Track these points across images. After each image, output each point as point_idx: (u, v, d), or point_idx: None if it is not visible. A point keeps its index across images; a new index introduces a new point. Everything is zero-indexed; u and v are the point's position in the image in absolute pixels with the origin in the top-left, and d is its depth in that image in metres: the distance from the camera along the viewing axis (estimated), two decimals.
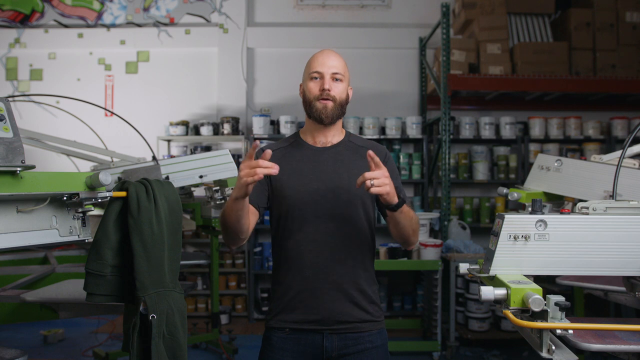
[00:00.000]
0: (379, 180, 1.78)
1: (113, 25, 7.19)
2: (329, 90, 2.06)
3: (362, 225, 2.09)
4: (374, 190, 1.78)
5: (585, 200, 1.77)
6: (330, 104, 2.07)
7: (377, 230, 2.16)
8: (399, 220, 1.99)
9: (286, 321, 2.08)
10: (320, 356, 2.05)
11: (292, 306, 2.07)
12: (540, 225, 1.57)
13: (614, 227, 1.57)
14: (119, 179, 3.13)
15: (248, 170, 1.76)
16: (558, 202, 2.95)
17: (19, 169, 1.60)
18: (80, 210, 1.82)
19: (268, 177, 2.13)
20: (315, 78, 2.09)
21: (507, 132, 6.52)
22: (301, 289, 2.04)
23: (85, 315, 4.56)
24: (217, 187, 3.69)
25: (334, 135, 2.17)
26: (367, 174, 1.78)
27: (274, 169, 1.75)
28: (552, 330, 1.38)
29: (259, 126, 6.55)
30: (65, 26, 7.20)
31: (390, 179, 1.83)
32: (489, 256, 1.61)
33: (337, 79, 2.08)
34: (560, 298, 1.38)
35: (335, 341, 2.04)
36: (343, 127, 2.26)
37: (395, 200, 1.89)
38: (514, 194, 2.91)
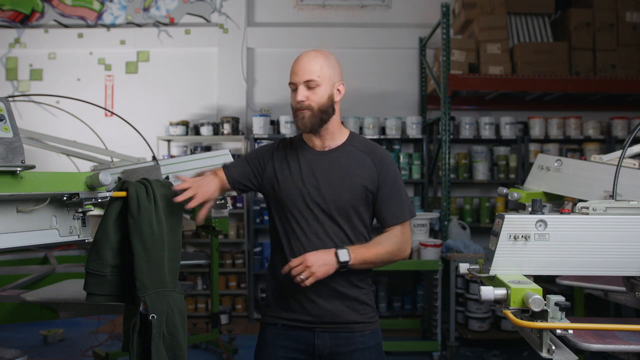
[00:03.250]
0: (306, 271, 1.92)
1: (113, 25, 7.19)
2: (302, 101, 2.04)
3: (355, 229, 2.09)
4: (308, 282, 1.92)
5: (585, 200, 1.77)
6: (306, 113, 2.05)
7: (374, 231, 2.15)
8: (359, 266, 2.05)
9: (279, 317, 2.12)
10: (312, 353, 2.07)
11: (285, 303, 2.11)
12: (540, 225, 1.57)
13: (614, 227, 1.57)
14: (119, 178, 3.13)
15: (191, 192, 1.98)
16: (558, 202, 2.95)
17: (19, 169, 1.60)
18: (80, 210, 1.82)
19: (260, 177, 2.18)
20: (293, 89, 2.08)
21: (507, 132, 6.52)
22: (294, 287, 2.04)
23: (85, 315, 4.56)
24: None
25: (331, 139, 2.15)
26: (294, 271, 1.93)
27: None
28: (552, 330, 1.38)
29: (259, 126, 6.55)
30: (65, 26, 7.20)
31: (315, 265, 1.93)
32: (489, 256, 1.61)
33: (311, 87, 2.05)
34: (560, 298, 1.38)
35: (326, 339, 2.06)
36: (346, 127, 2.24)
37: (331, 271, 1.97)
38: (514, 194, 2.91)
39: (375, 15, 7.22)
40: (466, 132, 6.53)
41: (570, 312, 1.43)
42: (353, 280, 2.08)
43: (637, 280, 1.70)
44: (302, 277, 1.91)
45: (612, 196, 1.80)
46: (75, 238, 1.83)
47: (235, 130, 6.68)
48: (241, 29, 7.08)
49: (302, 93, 2.04)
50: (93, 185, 1.78)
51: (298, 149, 2.17)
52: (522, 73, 6.03)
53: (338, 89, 2.11)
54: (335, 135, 2.15)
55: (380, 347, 2.14)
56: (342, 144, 2.16)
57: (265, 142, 6.47)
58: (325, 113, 2.07)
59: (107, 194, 1.83)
